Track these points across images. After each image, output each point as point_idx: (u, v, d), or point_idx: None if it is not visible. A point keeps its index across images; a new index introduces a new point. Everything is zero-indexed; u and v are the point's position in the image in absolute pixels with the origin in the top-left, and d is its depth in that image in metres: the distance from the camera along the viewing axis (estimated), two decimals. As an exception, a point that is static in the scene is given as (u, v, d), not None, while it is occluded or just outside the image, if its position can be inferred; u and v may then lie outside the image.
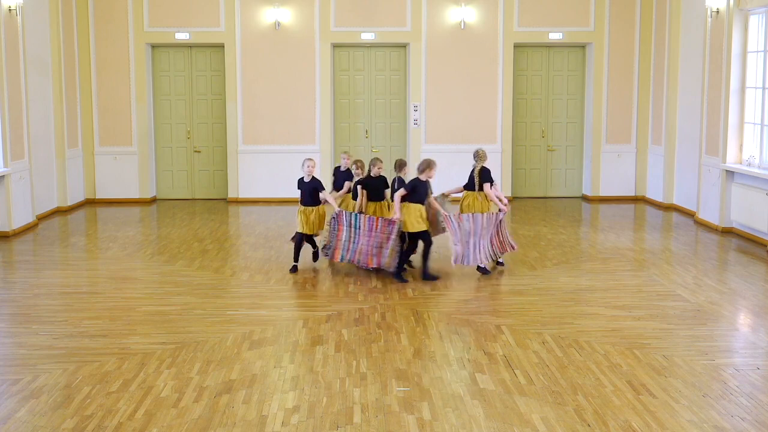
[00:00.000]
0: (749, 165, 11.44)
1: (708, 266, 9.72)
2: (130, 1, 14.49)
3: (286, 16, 14.58)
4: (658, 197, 14.36)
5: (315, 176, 9.46)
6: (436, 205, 9.19)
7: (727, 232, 11.69)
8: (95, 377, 6.05)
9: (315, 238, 9.75)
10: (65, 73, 13.79)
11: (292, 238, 9.69)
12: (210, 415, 5.37)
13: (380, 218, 9.06)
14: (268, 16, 14.58)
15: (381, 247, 8.98)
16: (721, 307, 7.94)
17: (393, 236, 8.91)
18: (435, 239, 9.28)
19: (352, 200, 9.90)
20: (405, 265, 9.26)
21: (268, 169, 14.85)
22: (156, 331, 7.21)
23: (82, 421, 5.28)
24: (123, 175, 14.80)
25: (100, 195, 14.82)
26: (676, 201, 13.86)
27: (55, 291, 8.66)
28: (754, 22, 11.38)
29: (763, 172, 10.93)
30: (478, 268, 9.34)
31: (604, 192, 15.12)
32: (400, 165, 9.52)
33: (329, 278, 9.18)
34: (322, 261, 9.82)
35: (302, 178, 9.45)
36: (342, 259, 9.24)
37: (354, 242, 9.13)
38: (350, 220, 9.14)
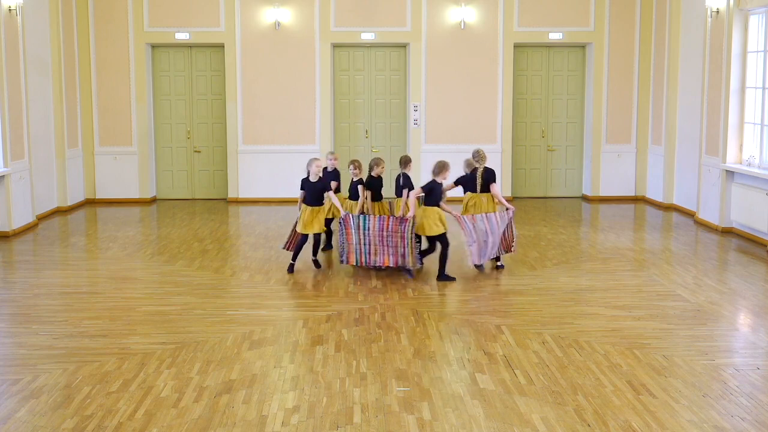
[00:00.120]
0: (749, 165, 11.44)
1: (708, 266, 9.72)
2: (130, 1, 14.49)
3: (286, 16, 14.57)
4: (658, 197, 14.36)
5: (321, 176, 9.41)
6: (447, 207, 9.11)
7: (727, 232, 11.69)
8: (95, 377, 6.05)
9: (328, 242, 9.72)
10: (65, 73, 13.79)
11: (284, 247, 9.62)
12: (210, 415, 5.37)
13: (391, 217, 8.95)
14: (268, 16, 14.57)
15: (396, 247, 8.89)
16: (721, 307, 7.94)
17: (407, 234, 8.80)
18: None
19: (349, 201, 9.89)
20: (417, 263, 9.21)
21: (268, 169, 14.85)
22: (156, 331, 7.21)
23: (82, 421, 5.28)
24: (123, 175, 14.79)
25: (100, 195, 14.82)
26: (676, 201, 13.86)
27: (55, 291, 8.66)
28: (754, 22, 11.38)
29: (763, 172, 10.93)
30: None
31: (604, 192, 15.11)
32: (405, 161, 9.51)
33: (329, 278, 9.17)
34: (322, 261, 9.82)
35: (306, 177, 9.41)
36: (357, 263, 9.12)
37: (365, 244, 8.99)
38: (357, 222, 8.99)
